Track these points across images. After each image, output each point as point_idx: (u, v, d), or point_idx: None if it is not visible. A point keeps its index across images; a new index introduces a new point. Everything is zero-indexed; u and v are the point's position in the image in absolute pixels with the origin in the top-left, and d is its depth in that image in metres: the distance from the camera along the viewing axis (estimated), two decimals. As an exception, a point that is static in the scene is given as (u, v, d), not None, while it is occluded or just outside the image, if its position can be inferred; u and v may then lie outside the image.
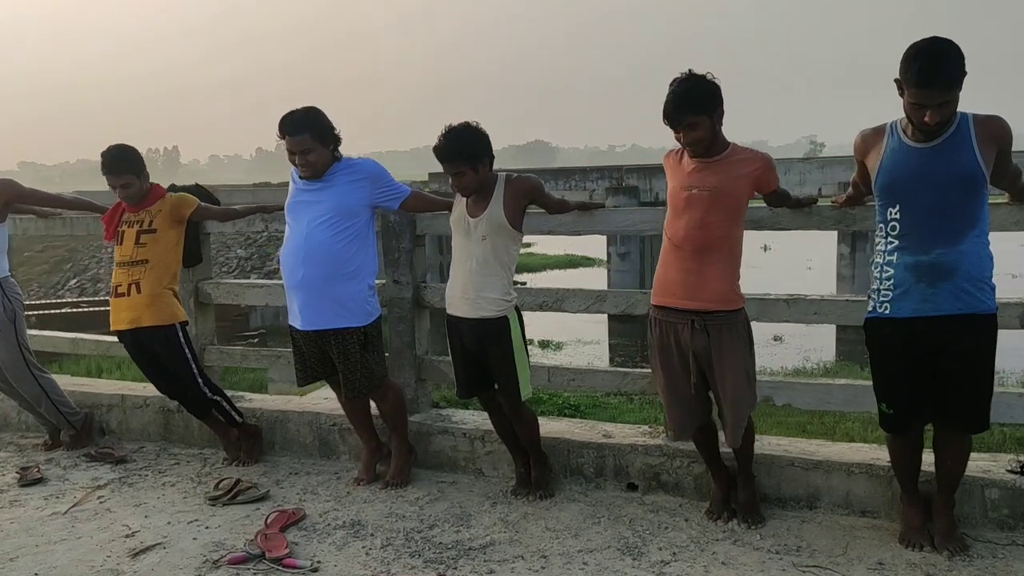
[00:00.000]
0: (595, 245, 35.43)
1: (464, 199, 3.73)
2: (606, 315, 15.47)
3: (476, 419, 4.38)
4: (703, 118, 3.23)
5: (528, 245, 28.63)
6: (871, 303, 3.18)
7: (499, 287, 3.68)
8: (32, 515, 3.99)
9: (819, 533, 3.48)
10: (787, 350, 15.19)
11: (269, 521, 3.74)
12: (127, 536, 3.72)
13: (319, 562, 3.37)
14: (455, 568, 3.30)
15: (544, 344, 19.12)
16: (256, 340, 14.88)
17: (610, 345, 18.73)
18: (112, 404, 5.15)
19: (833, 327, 14.45)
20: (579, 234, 4.03)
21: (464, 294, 3.72)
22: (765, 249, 31.05)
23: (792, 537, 3.45)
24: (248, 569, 3.36)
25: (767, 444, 3.87)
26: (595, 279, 31.18)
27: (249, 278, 21.36)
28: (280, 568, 3.34)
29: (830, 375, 11.02)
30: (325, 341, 3.96)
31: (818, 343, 15.43)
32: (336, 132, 3.90)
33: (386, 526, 3.72)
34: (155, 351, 4.44)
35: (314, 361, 4.09)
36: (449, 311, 3.84)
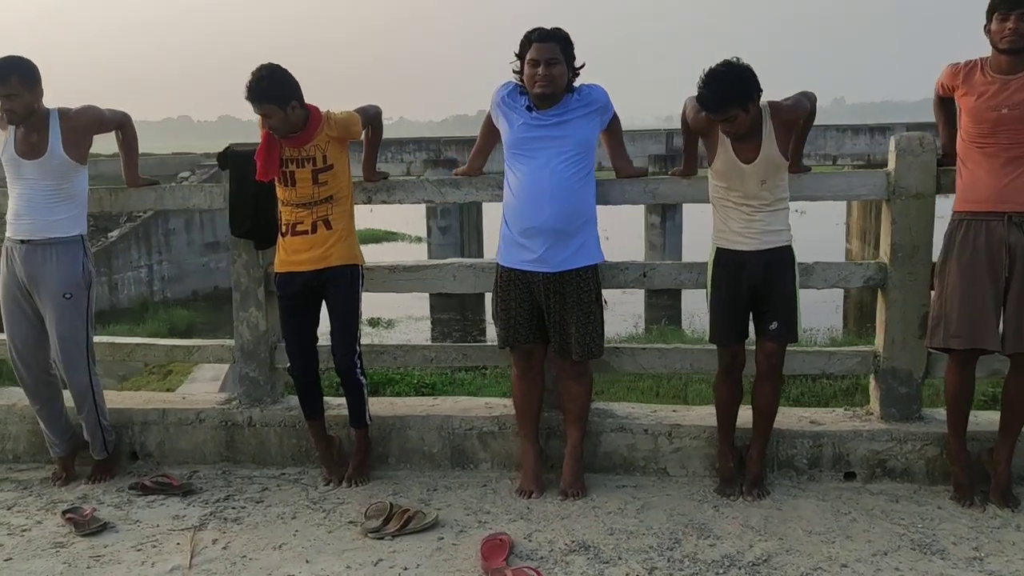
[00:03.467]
0: (397, 219, 34.92)
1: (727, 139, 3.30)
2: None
3: (646, 411, 3.86)
4: None
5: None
6: None
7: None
8: (145, 574, 3.05)
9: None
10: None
11: (485, 551, 3.05)
12: (311, 590, 2.91)
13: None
14: (766, 589, 2.81)
15: (374, 322, 18.65)
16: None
17: (432, 320, 18.97)
18: (149, 421, 4.12)
19: None
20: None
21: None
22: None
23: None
24: (515, 617, 2.69)
25: None
26: (403, 253, 30.84)
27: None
28: (560, 613, 2.70)
29: None
30: (561, 286, 3.44)
31: None
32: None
33: (623, 546, 3.15)
34: (333, 296, 3.67)
35: (523, 318, 3.52)
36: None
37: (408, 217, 32.86)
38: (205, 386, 9.96)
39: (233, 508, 3.61)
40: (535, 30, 3.38)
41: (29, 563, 3.18)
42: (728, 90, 3.12)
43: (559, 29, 3.38)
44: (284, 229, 3.66)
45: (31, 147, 3.72)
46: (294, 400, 4.16)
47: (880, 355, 3.64)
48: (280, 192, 3.63)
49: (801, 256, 3.47)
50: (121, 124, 3.97)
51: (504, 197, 3.52)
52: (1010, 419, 3.34)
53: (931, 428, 3.59)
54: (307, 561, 3.11)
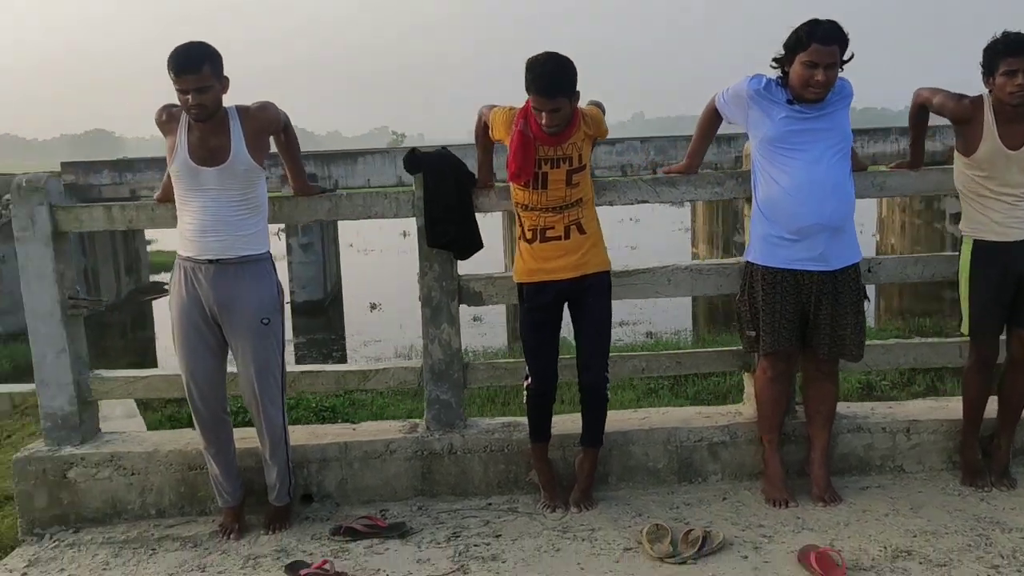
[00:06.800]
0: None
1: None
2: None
3: (881, 409, 3.78)
4: None
5: (151, 241, 25.61)
6: None
7: None
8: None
9: None
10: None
11: (817, 565, 2.87)
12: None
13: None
14: None
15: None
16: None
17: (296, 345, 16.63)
18: (328, 458, 3.66)
19: None
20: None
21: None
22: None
23: None
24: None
25: None
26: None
27: None
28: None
29: None
30: (835, 284, 3.33)
31: None
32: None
33: (941, 546, 3.04)
34: (591, 305, 3.38)
35: (788, 319, 3.35)
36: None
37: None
38: (127, 423, 8.53)
39: (477, 546, 3.24)
40: (816, 26, 3.15)
41: (303, 630, 2.73)
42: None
43: (840, 28, 3.19)
44: (530, 236, 3.34)
45: (211, 152, 3.23)
46: (486, 423, 3.83)
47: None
48: (522, 196, 3.31)
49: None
50: (287, 124, 3.52)
51: (762, 193, 3.35)
52: None
53: None
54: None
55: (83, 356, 3.73)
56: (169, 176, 3.34)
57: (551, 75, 3.06)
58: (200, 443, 3.46)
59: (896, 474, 3.67)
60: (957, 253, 3.53)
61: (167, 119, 3.32)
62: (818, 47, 3.14)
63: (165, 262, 25.17)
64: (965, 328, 3.45)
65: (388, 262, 25.41)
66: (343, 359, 15.99)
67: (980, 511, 3.31)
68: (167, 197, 3.47)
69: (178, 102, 3.21)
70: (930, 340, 4.03)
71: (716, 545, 3.10)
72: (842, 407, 3.70)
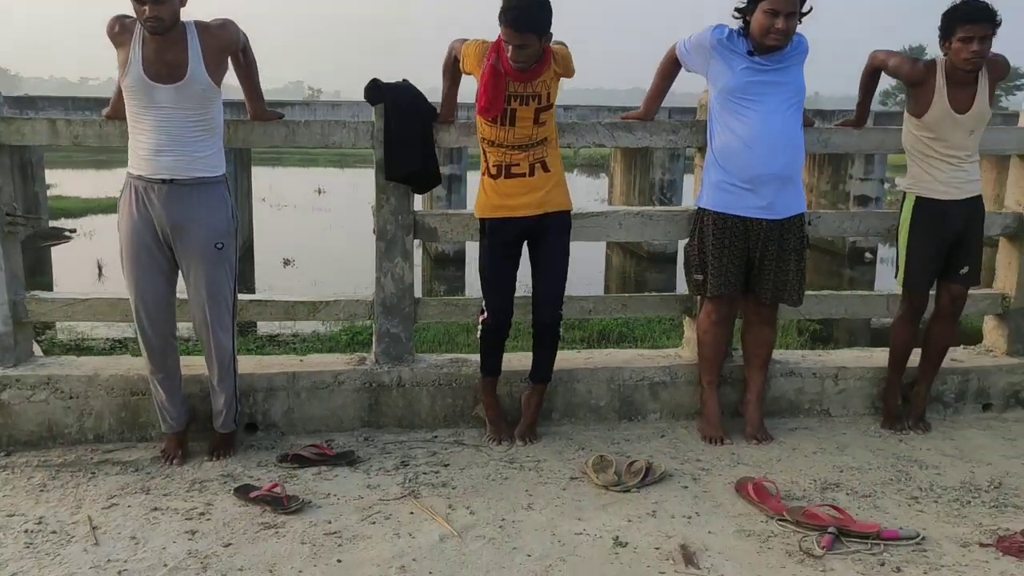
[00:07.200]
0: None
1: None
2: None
3: (813, 356, 3.99)
4: None
5: (51, 186, 25.02)
6: None
7: None
8: (412, 547, 2.74)
9: None
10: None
11: (755, 494, 3.04)
12: (617, 545, 2.76)
13: (924, 529, 2.85)
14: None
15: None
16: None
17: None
18: (275, 387, 3.65)
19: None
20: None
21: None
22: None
23: None
24: (845, 551, 2.72)
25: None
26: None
27: None
28: (884, 542, 2.76)
29: None
30: (782, 232, 3.47)
31: None
32: None
33: (866, 480, 3.26)
34: (550, 243, 3.43)
35: (734, 265, 3.49)
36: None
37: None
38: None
39: (426, 474, 3.30)
40: None
41: (256, 546, 2.75)
42: None
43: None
44: (495, 171, 3.36)
45: (167, 68, 3.12)
46: (435, 358, 3.88)
47: (1010, 297, 3.98)
48: (489, 131, 3.32)
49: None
50: (247, 46, 3.43)
51: (718, 141, 3.46)
52: None
53: (1052, 360, 3.99)
54: (579, 519, 2.93)
55: (19, 275, 3.61)
56: (120, 91, 3.23)
57: (523, 9, 3.08)
58: (146, 368, 3.40)
59: (823, 417, 3.89)
60: (889, 211, 3.72)
61: (120, 30, 3.18)
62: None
63: (65, 207, 24.20)
64: (901, 279, 3.65)
65: (302, 219, 25.02)
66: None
67: (900, 451, 3.54)
68: (117, 114, 3.36)
69: (133, 12, 3.10)
70: (860, 293, 4.24)
71: (658, 476, 3.24)
72: (776, 353, 3.89)
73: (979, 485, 3.22)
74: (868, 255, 19.30)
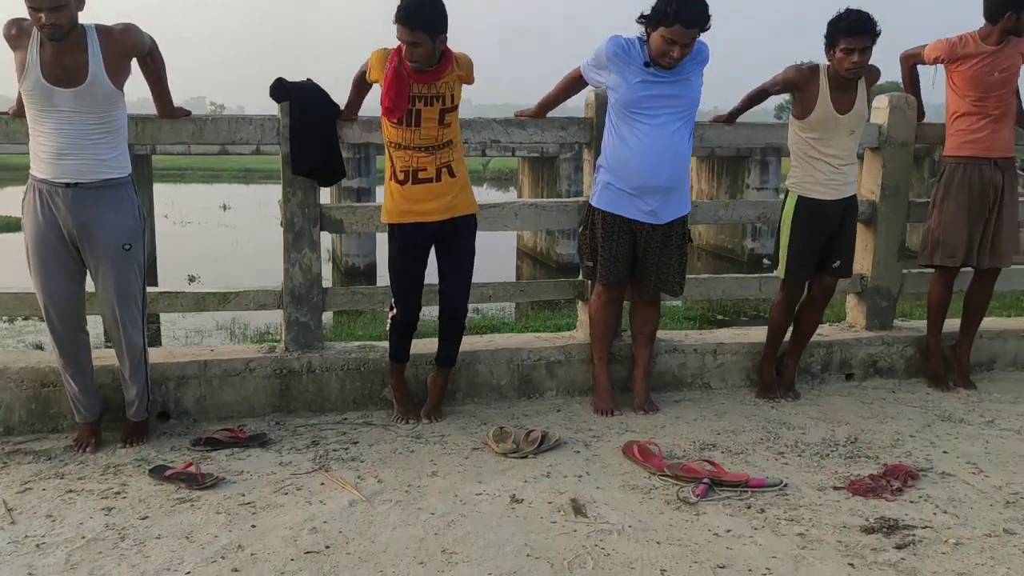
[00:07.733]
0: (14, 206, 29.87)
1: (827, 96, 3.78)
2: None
3: (693, 334, 4.33)
4: None
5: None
6: None
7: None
8: (322, 513, 2.93)
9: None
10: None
11: (640, 456, 3.34)
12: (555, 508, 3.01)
13: (787, 478, 3.20)
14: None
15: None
16: None
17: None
18: (187, 376, 3.77)
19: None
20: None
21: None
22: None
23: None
24: (717, 498, 3.04)
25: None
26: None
27: None
28: (752, 489, 3.10)
29: None
30: (666, 234, 3.76)
31: None
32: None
33: (740, 440, 3.60)
34: (458, 246, 3.62)
35: (623, 257, 3.78)
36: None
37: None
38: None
39: (336, 451, 3.49)
40: (684, 7, 3.37)
41: (172, 518, 2.90)
42: None
43: (706, 13, 3.43)
44: (402, 176, 3.51)
45: (66, 72, 3.17)
46: (343, 345, 4.07)
47: (867, 276, 4.42)
48: (395, 134, 3.48)
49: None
50: (152, 48, 3.55)
51: (611, 149, 3.70)
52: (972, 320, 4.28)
53: (905, 334, 4.45)
54: (479, 482, 3.17)
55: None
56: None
57: (415, 7, 3.27)
58: (58, 363, 3.47)
59: (704, 389, 4.24)
60: (760, 201, 4.11)
61: (17, 33, 3.20)
62: (681, 29, 3.42)
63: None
64: (781, 272, 4.00)
65: (206, 234, 24.61)
66: (158, 332, 15.56)
67: (771, 416, 3.91)
68: (22, 113, 3.42)
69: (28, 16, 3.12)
70: (736, 276, 4.63)
71: (553, 443, 3.51)
72: (660, 333, 4.22)
73: (837, 441, 3.60)
74: (766, 260, 20.25)
